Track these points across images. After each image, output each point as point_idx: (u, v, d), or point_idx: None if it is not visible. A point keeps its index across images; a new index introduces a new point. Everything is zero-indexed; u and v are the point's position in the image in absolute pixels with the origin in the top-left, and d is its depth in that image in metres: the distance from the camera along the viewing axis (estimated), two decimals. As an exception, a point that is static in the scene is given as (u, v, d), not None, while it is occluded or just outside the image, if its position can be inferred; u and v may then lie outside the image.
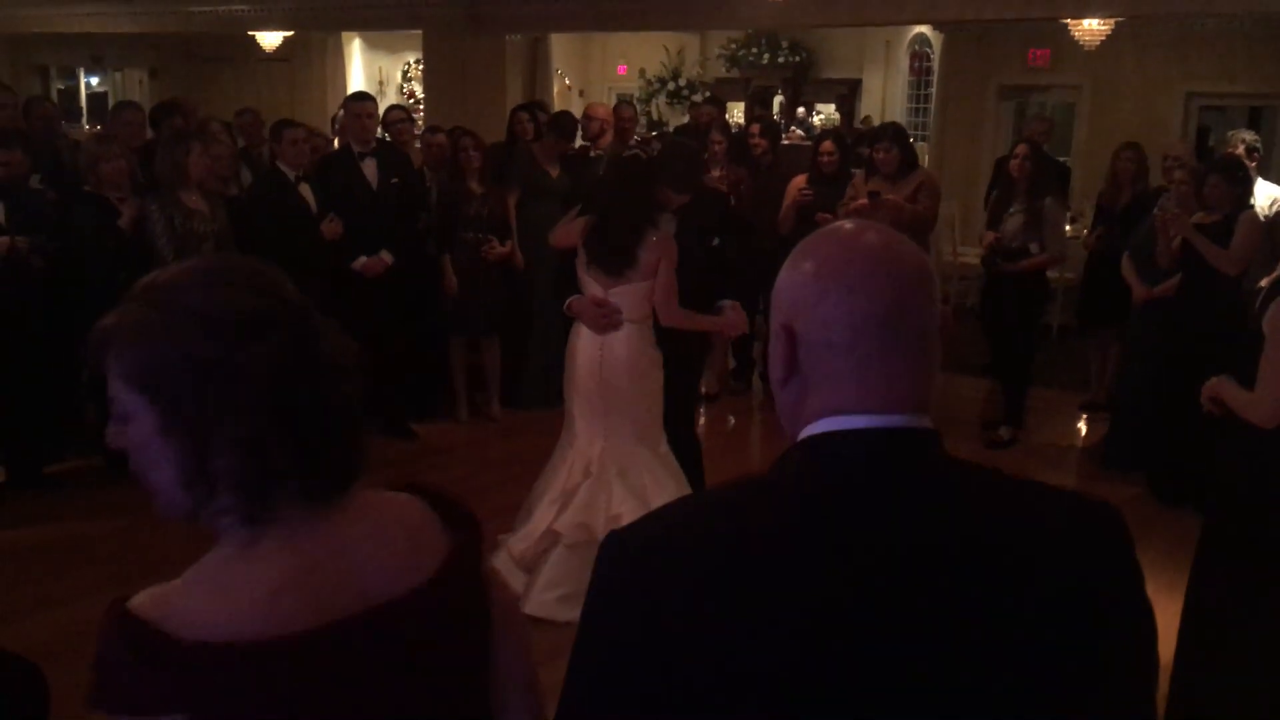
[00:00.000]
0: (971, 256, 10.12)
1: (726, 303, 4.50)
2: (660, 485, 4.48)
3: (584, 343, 4.55)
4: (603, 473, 4.53)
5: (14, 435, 5.77)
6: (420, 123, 9.41)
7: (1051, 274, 7.22)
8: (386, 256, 6.34)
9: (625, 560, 1.14)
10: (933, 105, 13.73)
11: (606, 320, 4.48)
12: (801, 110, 15.28)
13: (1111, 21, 8.93)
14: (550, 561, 4.51)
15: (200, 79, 16.20)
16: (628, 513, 4.39)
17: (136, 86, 17.47)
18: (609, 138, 7.23)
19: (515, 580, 4.45)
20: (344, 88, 16.11)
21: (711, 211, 4.68)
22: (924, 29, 13.98)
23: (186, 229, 5.67)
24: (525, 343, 7.07)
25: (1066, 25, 9.28)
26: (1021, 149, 6.57)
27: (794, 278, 1.18)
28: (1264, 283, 5.58)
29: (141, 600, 1.20)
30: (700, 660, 1.05)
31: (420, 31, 14.29)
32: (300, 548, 1.24)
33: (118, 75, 18.14)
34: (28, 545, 5.24)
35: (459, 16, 10.20)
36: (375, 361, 5.74)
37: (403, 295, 6.45)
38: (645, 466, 4.53)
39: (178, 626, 1.16)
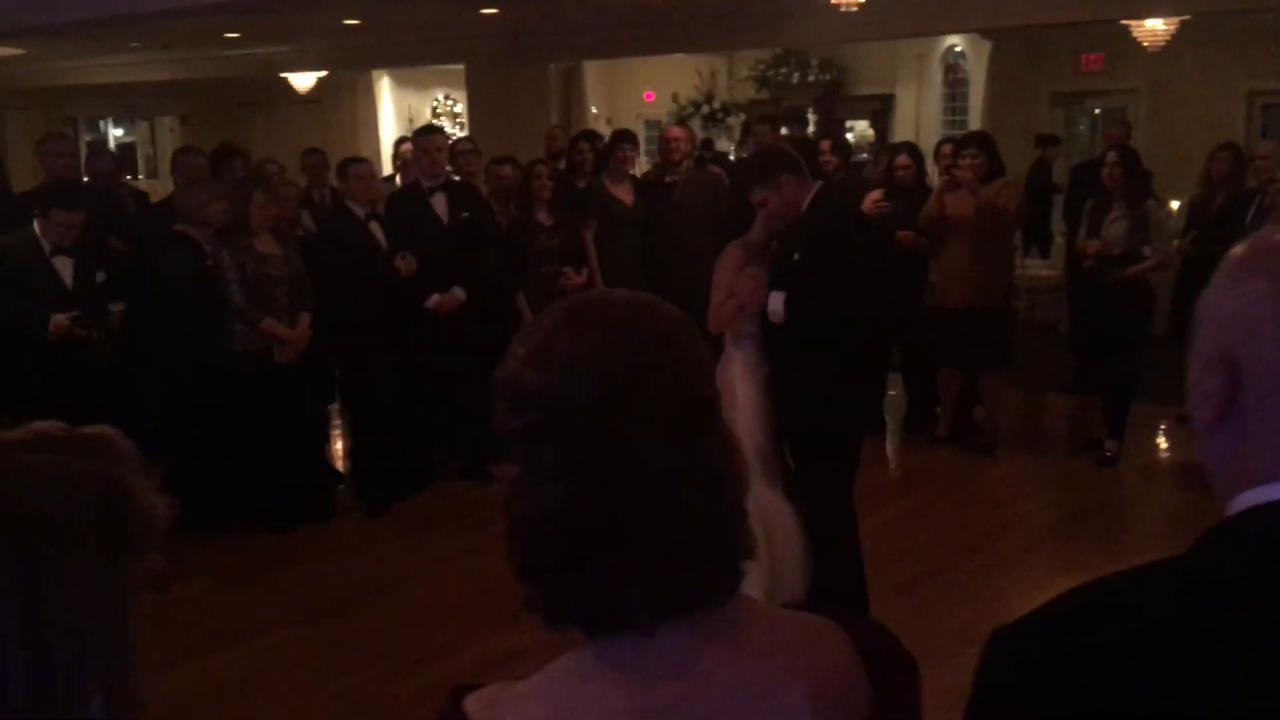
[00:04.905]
0: (1039, 269, 9.88)
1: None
2: None
3: None
4: None
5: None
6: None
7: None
8: (459, 293, 6.12)
9: (1014, 662, 0.94)
10: (969, 117, 13.52)
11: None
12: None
13: (1176, 21, 8.70)
14: None
15: (232, 124, 16.16)
16: None
17: (167, 135, 17.46)
18: (686, 163, 7.04)
19: None
20: (375, 126, 16.10)
21: (852, 234, 4.35)
22: (957, 41, 13.79)
23: (260, 274, 5.50)
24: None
25: (1123, 27, 9.07)
26: (1112, 156, 6.36)
27: (1243, 291, 0.94)
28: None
29: (476, 701, 1.07)
30: None
31: (450, 68, 14.27)
32: (650, 681, 1.02)
33: (145, 124, 18.15)
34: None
35: (501, 49, 10.06)
36: (450, 402, 5.52)
37: (477, 333, 6.23)
38: None
39: None
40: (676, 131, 7.16)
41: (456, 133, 12.37)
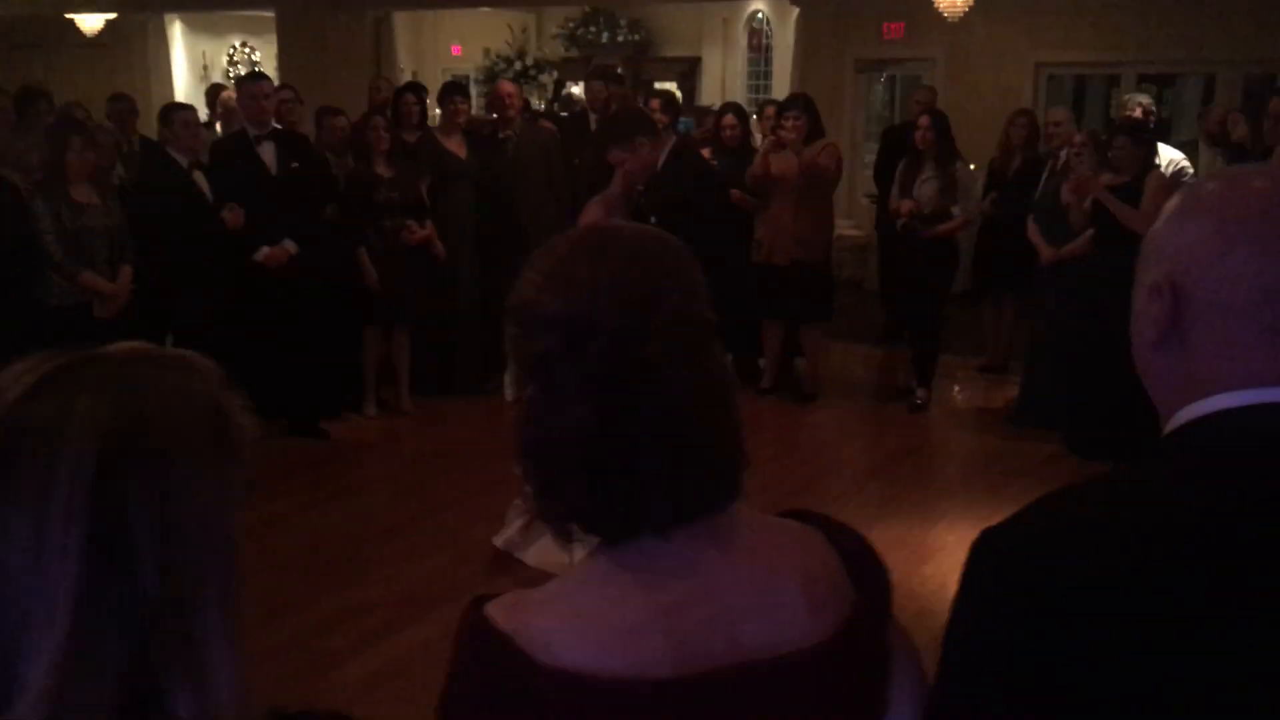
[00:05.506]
0: (847, 229, 10.32)
1: None
2: None
3: None
4: None
5: None
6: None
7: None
8: (290, 246, 5.98)
9: (1004, 560, 1.04)
10: (774, 81, 13.93)
11: None
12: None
13: (973, -9, 9.21)
14: None
15: (8, 67, 14.99)
16: None
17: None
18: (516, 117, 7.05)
19: None
20: (167, 73, 15.26)
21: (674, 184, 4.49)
22: (760, 6, 14.16)
23: (78, 225, 5.22)
24: (452, 330, 6.82)
25: (924, -2, 9.52)
26: (924, 120, 6.71)
27: (1185, 228, 1.08)
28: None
29: (498, 608, 1.10)
30: (1091, 660, 0.96)
31: (248, 14, 13.67)
32: (662, 581, 1.09)
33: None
34: None
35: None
36: (284, 357, 5.44)
37: (311, 287, 6.09)
38: None
39: (531, 645, 1.05)
40: (509, 87, 7.17)
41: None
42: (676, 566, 1.09)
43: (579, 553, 3.55)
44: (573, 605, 1.10)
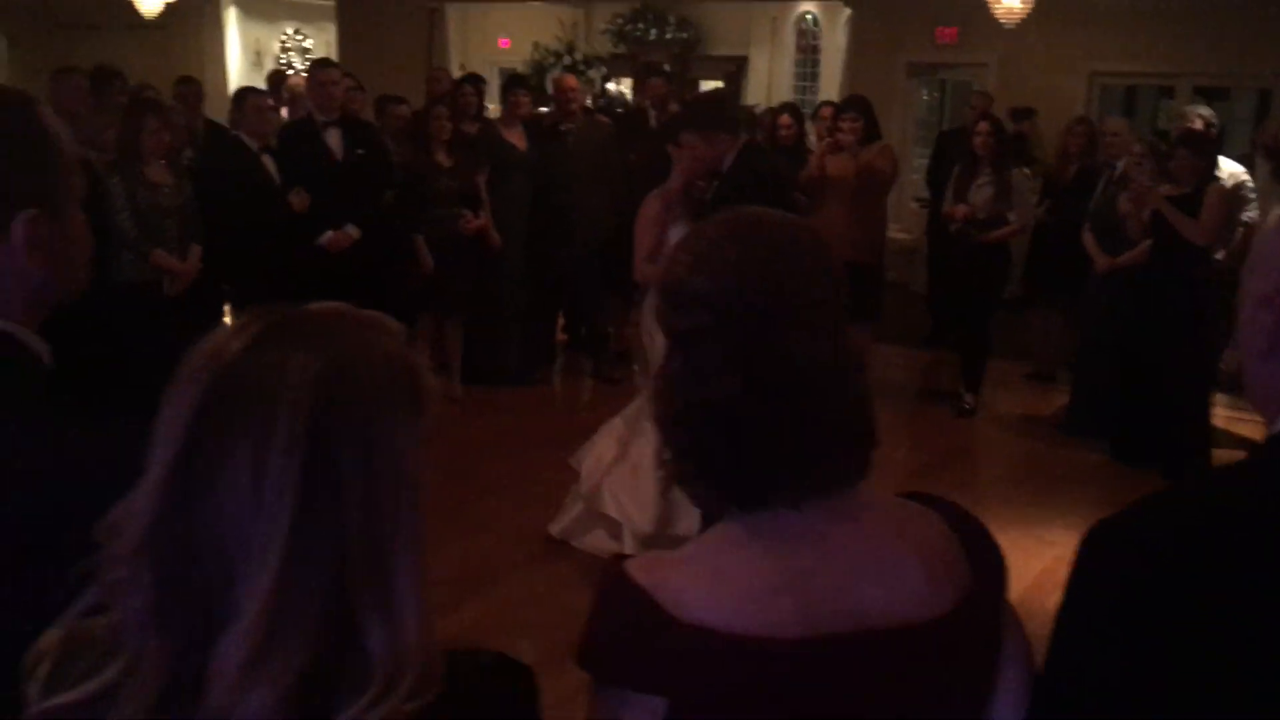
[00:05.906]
0: (895, 232, 10.33)
1: None
2: (606, 447, 4.52)
3: None
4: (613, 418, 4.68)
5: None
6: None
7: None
8: (352, 230, 6.08)
9: (1103, 549, 1.09)
10: (821, 83, 13.94)
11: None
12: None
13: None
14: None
15: (63, 48, 15.20)
16: (584, 453, 4.59)
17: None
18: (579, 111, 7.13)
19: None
20: (222, 58, 15.45)
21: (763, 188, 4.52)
22: (810, 7, 14.16)
23: (151, 204, 5.33)
24: (499, 321, 6.90)
25: (979, 1, 9.48)
26: (984, 125, 6.71)
27: None
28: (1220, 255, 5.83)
29: (637, 565, 1.16)
30: (1196, 654, 1.00)
31: (299, 1, 13.80)
32: (793, 548, 1.16)
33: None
34: None
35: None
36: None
37: (368, 272, 6.18)
38: (629, 423, 4.57)
39: (668, 600, 1.12)
40: (572, 81, 7.25)
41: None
42: (807, 536, 1.16)
43: (630, 543, 3.65)
44: (708, 565, 1.16)
